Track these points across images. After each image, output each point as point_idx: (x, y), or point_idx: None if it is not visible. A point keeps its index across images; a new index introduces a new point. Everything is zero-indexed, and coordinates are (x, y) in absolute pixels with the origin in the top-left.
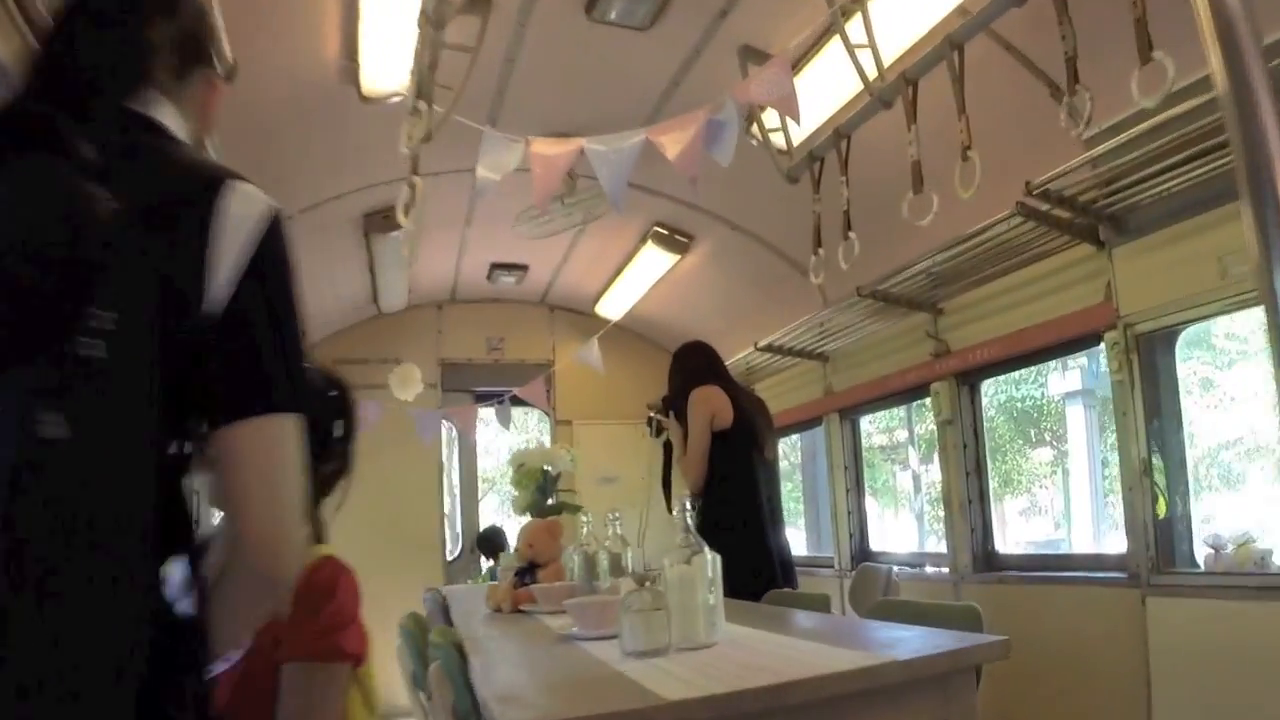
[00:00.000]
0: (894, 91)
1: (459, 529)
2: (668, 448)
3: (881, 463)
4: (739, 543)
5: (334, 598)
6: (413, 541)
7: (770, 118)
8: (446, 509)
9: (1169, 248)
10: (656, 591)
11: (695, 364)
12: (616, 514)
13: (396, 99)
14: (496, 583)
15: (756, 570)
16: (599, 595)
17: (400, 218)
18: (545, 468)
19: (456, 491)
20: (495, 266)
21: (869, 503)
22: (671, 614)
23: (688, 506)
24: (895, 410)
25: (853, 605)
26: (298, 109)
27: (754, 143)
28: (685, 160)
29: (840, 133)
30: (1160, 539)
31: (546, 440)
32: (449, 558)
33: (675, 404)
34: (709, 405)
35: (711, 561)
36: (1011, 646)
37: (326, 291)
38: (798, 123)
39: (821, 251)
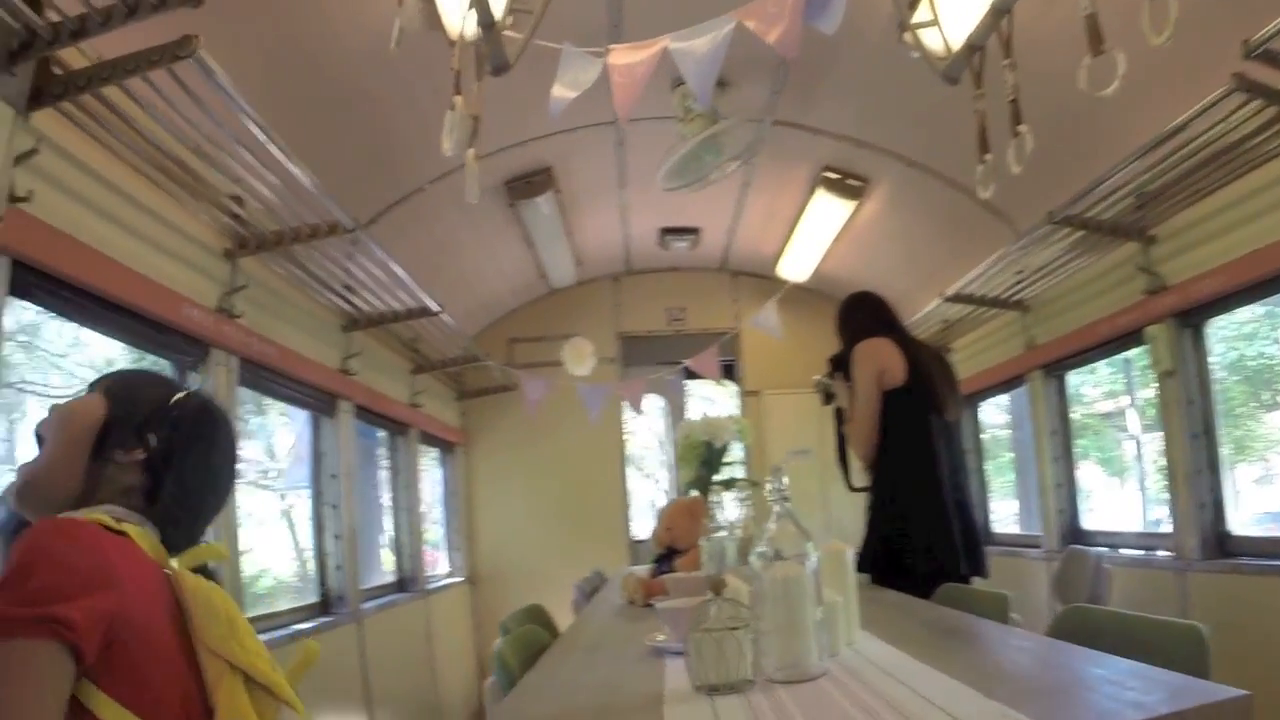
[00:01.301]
0: None
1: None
2: (840, 415)
3: (1105, 429)
4: (913, 519)
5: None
6: (598, 521)
7: (921, 12)
8: (665, 485)
9: None
10: (736, 603)
11: (862, 315)
12: (744, 490)
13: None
14: (630, 571)
15: (932, 553)
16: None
17: (444, 143)
18: (708, 440)
19: (672, 466)
20: (665, 231)
21: (1091, 475)
22: (763, 633)
23: (781, 484)
24: (1117, 371)
25: (1058, 596)
26: (387, 65)
27: (914, 55)
28: (786, 40)
29: (999, 9)
30: None
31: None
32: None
33: (843, 363)
34: (877, 360)
35: (832, 559)
36: (1253, 708)
37: (488, 268)
38: None
39: (989, 157)
